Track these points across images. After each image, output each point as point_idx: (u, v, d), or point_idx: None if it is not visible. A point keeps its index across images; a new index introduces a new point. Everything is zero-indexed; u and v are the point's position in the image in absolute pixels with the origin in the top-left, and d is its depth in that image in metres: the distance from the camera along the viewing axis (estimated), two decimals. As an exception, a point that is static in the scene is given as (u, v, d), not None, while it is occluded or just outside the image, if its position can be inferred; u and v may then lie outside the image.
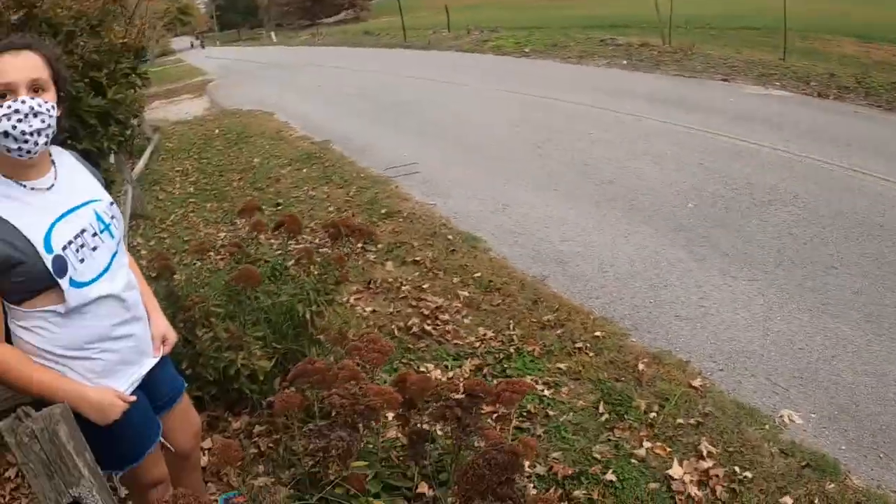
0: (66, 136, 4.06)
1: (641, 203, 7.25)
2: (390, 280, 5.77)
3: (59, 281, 1.95)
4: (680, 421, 3.79)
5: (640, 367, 4.29)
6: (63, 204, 2.05)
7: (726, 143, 9.34)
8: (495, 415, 3.29)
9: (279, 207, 8.03)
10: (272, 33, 64.83)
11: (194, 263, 6.13)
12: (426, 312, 5.15)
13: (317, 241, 6.53)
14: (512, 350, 4.56)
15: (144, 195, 9.09)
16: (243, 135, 12.86)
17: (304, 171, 9.66)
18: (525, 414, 3.86)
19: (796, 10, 18.37)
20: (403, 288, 5.60)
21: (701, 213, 6.87)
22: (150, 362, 2.33)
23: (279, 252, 4.46)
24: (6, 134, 1.87)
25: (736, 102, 12.12)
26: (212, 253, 6.50)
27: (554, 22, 33.46)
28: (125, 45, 5.68)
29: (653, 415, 3.85)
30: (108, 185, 4.13)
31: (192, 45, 66.11)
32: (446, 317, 5.09)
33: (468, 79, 16.67)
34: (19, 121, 1.87)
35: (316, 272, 4.03)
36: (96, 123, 5.22)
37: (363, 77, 19.55)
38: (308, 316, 3.90)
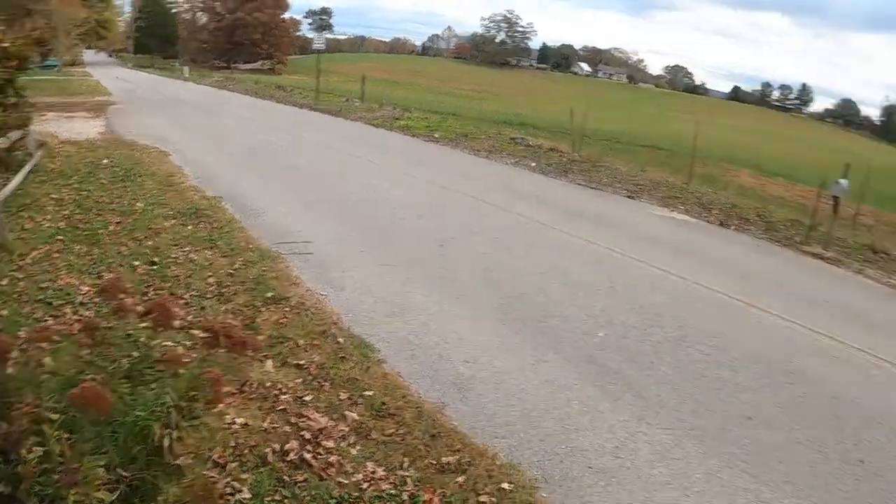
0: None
1: (550, 326, 7.22)
2: (268, 384, 5.29)
3: None
4: None
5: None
6: None
7: (636, 266, 9.66)
8: None
9: (154, 267, 7.47)
10: (185, 67, 65.31)
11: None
12: (307, 435, 4.72)
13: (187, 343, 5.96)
14: (405, 497, 4.23)
15: (7, 221, 8.25)
16: (132, 172, 12.27)
17: (190, 227, 9.17)
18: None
19: (700, 136, 19.84)
20: (283, 397, 5.15)
21: (612, 344, 6.91)
22: None
23: (141, 346, 3.92)
24: None
25: (643, 223, 12.70)
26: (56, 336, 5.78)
27: (467, 112, 34.77)
28: (4, 50, 5.11)
29: None
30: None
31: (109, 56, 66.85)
32: (331, 443, 4.68)
33: (376, 155, 16.77)
34: None
35: (182, 385, 3.58)
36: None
37: (269, 133, 19.48)
38: (167, 443, 3.43)
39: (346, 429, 4.89)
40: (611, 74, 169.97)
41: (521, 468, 4.73)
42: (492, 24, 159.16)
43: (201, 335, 4.02)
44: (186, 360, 4.69)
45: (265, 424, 4.79)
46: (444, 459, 4.67)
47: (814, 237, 13.64)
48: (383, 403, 5.27)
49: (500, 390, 5.78)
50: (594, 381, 6.10)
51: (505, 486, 4.46)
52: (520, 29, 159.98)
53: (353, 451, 4.64)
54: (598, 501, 4.46)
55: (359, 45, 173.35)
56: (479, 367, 6.14)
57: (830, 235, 13.61)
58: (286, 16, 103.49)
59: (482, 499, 4.30)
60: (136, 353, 3.97)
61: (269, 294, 7.10)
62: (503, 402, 5.60)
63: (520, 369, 6.19)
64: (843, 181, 13.74)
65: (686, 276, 9.36)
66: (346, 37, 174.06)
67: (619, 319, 7.57)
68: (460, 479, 4.49)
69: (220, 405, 4.72)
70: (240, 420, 4.78)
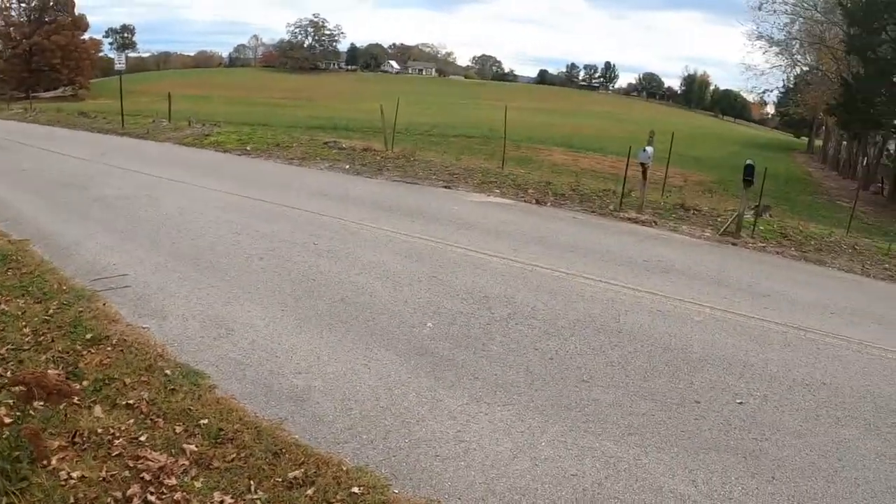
0: None
1: (378, 324, 7.26)
2: (100, 431, 4.92)
3: None
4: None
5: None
6: None
7: (457, 253, 9.92)
8: None
9: None
10: None
11: None
12: (148, 477, 4.44)
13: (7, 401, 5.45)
14: (258, 520, 4.08)
15: None
16: None
17: None
18: None
19: (511, 121, 20.73)
20: (117, 442, 4.80)
21: (442, 333, 7.06)
22: None
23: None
24: None
25: (460, 210, 13.08)
26: None
27: (280, 120, 34.29)
28: None
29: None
30: None
31: None
32: (173, 481, 4.42)
33: (186, 175, 16.07)
34: None
35: (4, 447, 3.28)
36: None
37: (74, 164, 18.07)
38: None
39: (187, 462, 4.67)
40: (420, 70, 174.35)
41: (368, 469, 4.72)
42: (298, 30, 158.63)
43: (18, 391, 3.71)
44: (8, 420, 4.29)
45: (103, 474, 4.47)
46: (290, 475, 4.57)
47: (628, 203, 14.70)
48: (220, 430, 5.08)
49: (336, 396, 5.74)
50: (428, 371, 6.20)
51: (356, 489, 4.43)
52: (327, 32, 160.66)
53: (198, 484, 4.44)
54: (451, 487, 4.53)
55: (163, 61, 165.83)
56: (313, 377, 6.07)
57: (643, 200, 14.71)
58: (86, 36, 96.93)
59: (335, 506, 4.26)
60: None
61: (89, 336, 6.64)
62: (341, 407, 5.57)
63: (353, 372, 6.18)
64: (648, 148, 14.84)
65: (507, 256, 9.76)
66: (150, 54, 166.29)
67: (445, 308, 7.75)
68: (309, 491, 4.41)
69: (52, 461, 4.41)
70: (76, 474, 4.43)
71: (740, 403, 6.01)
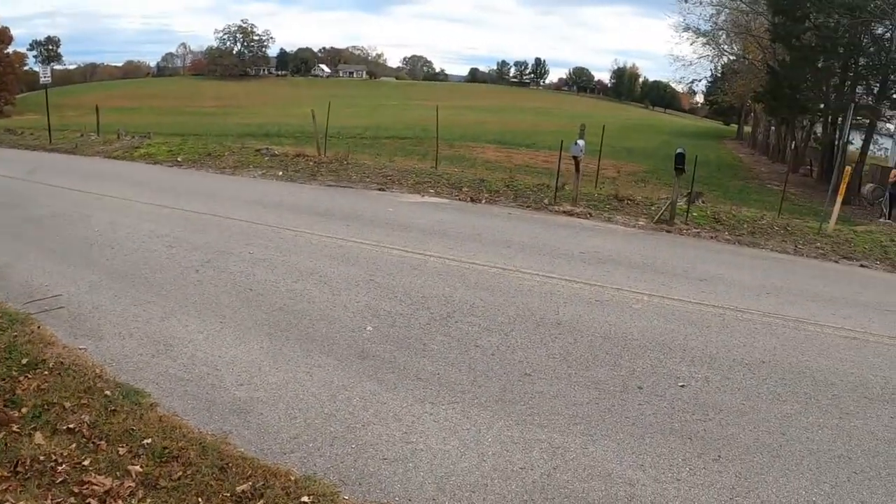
0: None
1: (318, 331, 7.23)
2: (42, 458, 4.79)
3: None
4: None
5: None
6: None
7: (393, 255, 9.95)
8: None
9: None
10: None
11: None
12: (94, 502, 4.33)
13: None
14: (207, 536, 4.04)
15: None
16: None
17: None
18: None
19: (443, 120, 20.84)
20: (60, 468, 4.69)
21: (382, 336, 7.07)
22: None
23: None
24: None
25: (395, 212, 13.10)
26: None
27: (210, 129, 33.80)
28: None
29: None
30: None
31: None
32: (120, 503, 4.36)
33: (117, 190, 15.66)
34: None
35: None
36: None
37: (0, 183, 17.43)
38: None
39: (133, 484, 4.58)
40: (352, 73, 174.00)
41: (317, 477, 4.70)
42: (227, 36, 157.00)
43: None
44: None
45: (48, 502, 4.36)
46: (238, 489, 4.53)
47: (562, 196, 14.92)
48: (165, 448, 5.00)
49: (280, 406, 5.71)
50: (370, 374, 6.20)
51: (305, 499, 4.41)
52: (256, 38, 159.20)
53: (147, 506, 4.38)
54: (401, 489, 4.55)
55: (91, 73, 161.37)
56: (255, 388, 6.02)
57: (577, 192, 14.95)
58: (10, 50, 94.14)
59: (284, 516, 4.23)
60: None
61: (25, 360, 6.44)
62: (286, 417, 5.54)
63: (295, 380, 6.15)
64: (580, 142, 15.08)
65: (444, 255, 9.83)
66: (76, 66, 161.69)
67: (384, 310, 7.76)
68: (259, 503, 4.39)
69: None
70: None
71: (682, 386, 6.18)
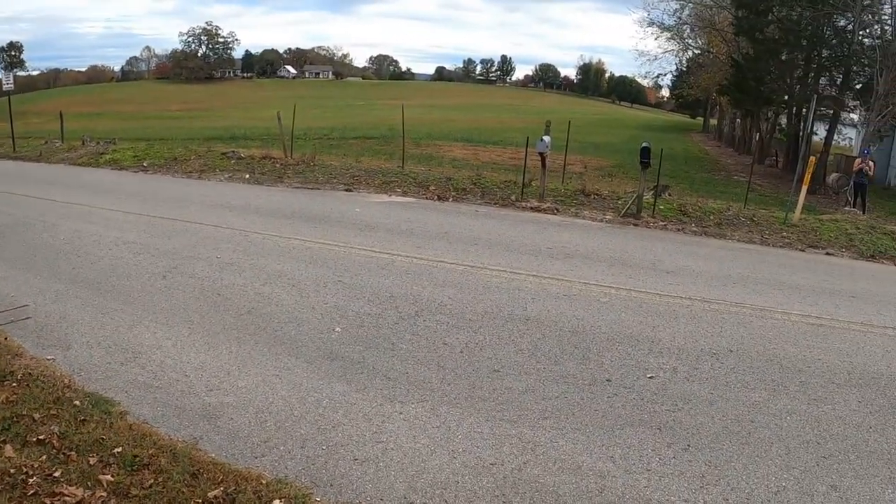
0: None
1: (286, 333, 7.23)
2: (13, 471, 4.74)
3: None
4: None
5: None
6: None
7: (360, 255, 9.97)
8: None
9: None
10: None
11: None
12: None
13: None
14: (183, 543, 4.03)
15: None
16: None
17: None
18: None
19: (409, 119, 20.88)
20: (31, 480, 4.65)
21: (350, 336, 7.09)
22: None
23: None
24: None
25: (363, 212, 13.11)
26: None
27: (176, 133, 33.51)
28: None
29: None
30: None
31: None
32: None
33: (82, 197, 15.49)
34: None
35: None
36: None
37: None
38: None
39: (105, 494, 4.56)
40: (317, 73, 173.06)
41: (288, 481, 4.70)
42: (191, 39, 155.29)
43: None
44: None
45: None
46: (209, 495, 4.52)
47: (529, 193, 15.02)
48: (135, 456, 4.98)
49: (249, 410, 5.70)
50: (339, 375, 6.22)
51: (277, 502, 4.42)
52: (221, 40, 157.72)
53: (119, 514, 4.36)
54: (372, 489, 4.56)
55: (54, 79, 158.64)
56: (224, 392, 6.01)
57: (544, 188, 15.06)
58: None
59: (258, 522, 4.23)
60: None
61: None
62: (256, 421, 5.53)
63: (265, 383, 6.14)
64: (546, 138, 15.17)
65: (411, 254, 9.87)
66: (39, 72, 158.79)
67: (352, 311, 7.78)
68: (232, 508, 4.39)
69: None
70: None
71: (651, 378, 6.28)
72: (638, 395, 5.93)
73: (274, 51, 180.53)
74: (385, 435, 5.22)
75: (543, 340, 6.91)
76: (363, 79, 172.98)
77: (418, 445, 5.05)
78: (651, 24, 51.49)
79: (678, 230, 13.33)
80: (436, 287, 8.55)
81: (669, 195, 16.87)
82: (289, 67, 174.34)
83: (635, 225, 13.39)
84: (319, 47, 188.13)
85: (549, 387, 5.94)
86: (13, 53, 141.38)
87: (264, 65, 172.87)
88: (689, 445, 5.14)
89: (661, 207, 14.64)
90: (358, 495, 4.52)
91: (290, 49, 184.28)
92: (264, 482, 4.68)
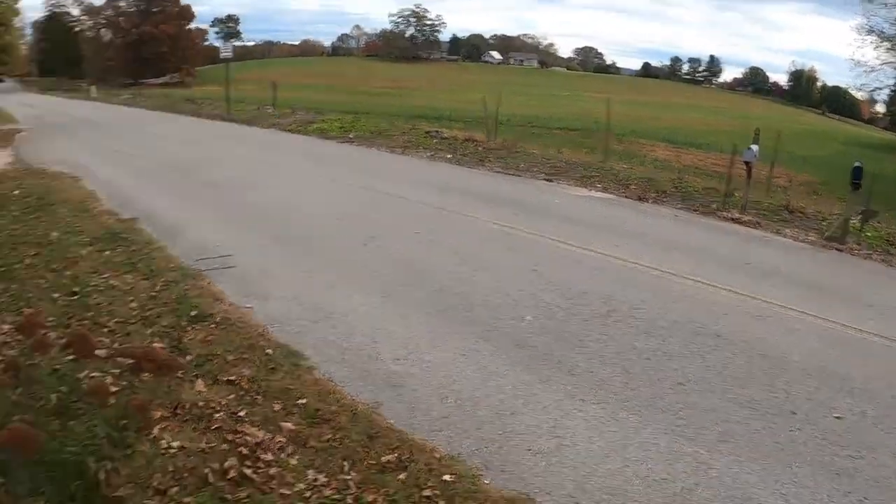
0: None
1: (477, 315, 7.33)
2: (201, 404, 5.18)
3: None
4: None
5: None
6: None
7: (557, 247, 9.89)
8: None
9: (75, 297, 7.14)
10: (93, 87, 63.18)
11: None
12: (245, 451, 4.64)
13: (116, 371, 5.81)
14: (350, 500, 4.20)
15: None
16: (44, 201, 11.73)
17: (107, 253, 8.82)
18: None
19: (613, 114, 20.44)
20: (217, 415, 5.04)
21: (540, 327, 7.07)
22: None
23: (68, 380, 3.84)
24: None
25: (562, 204, 13.01)
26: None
27: (382, 109, 34.94)
28: None
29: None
30: None
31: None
32: (269, 456, 4.62)
33: (291, 161, 16.69)
34: None
35: (112, 415, 3.51)
36: None
37: (182, 148, 19.17)
38: (102, 476, 3.37)
39: (284, 440, 4.85)
40: (522, 61, 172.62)
41: (461, 458, 4.78)
42: (400, 20, 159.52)
43: (127, 362, 3.94)
44: (115, 389, 4.56)
45: (202, 445, 4.69)
46: (383, 459, 4.69)
47: (731, 203, 14.25)
48: (318, 410, 5.25)
49: (432, 384, 5.84)
50: (525, 364, 6.23)
51: (447, 477, 4.50)
52: (428, 22, 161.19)
53: (293, 461, 4.61)
54: (541, 482, 4.56)
55: (268, 50, 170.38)
56: (411, 364, 6.19)
57: (746, 200, 14.24)
58: (192, 26, 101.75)
59: (426, 493, 4.32)
60: (63, 388, 3.86)
61: (194, 313, 6.96)
62: (437, 396, 5.66)
63: (451, 361, 6.26)
64: (753, 146, 14.35)
65: (608, 253, 9.65)
66: (254, 43, 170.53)
67: (544, 301, 7.75)
68: (402, 476, 4.51)
69: (154, 431, 4.63)
70: (176, 443, 4.67)
71: (837, 418, 5.77)
72: (821, 433, 5.44)
73: (480, 36, 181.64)
74: (562, 430, 5.18)
75: (732, 360, 6.55)
76: (568, 69, 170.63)
77: (593, 447, 4.97)
78: (870, 31, 47.10)
79: (882, 261, 12.16)
80: (628, 288, 8.33)
81: (879, 223, 15.42)
82: (494, 53, 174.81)
83: (838, 250, 12.34)
84: (525, 34, 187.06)
85: (732, 409, 5.62)
86: (231, 25, 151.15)
87: (470, 49, 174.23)
88: (865, 498, 4.68)
89: (868, 234, 13.41)
90: (526, 485, 4.52)
91: (495, 35, 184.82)
92: (437, 456, 4.77)
